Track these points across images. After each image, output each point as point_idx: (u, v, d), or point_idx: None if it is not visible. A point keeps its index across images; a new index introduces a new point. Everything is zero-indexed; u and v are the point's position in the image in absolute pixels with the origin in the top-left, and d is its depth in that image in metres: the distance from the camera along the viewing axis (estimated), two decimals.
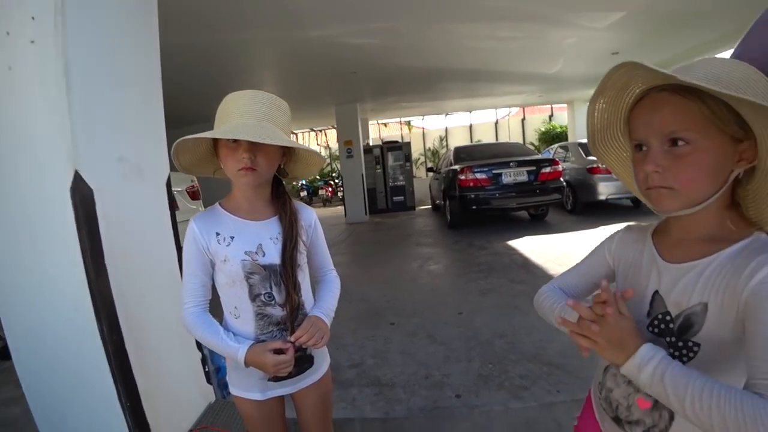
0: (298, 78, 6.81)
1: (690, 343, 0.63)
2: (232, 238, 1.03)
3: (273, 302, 1.05)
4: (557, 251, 4.90)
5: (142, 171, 1.76)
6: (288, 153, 1.10)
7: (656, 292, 0.68)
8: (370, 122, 13.86)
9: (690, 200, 0.62)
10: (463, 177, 6.53)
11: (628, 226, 0.82)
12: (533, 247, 5.29)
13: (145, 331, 1.69)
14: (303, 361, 1.07)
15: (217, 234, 1.03)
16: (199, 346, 2.17)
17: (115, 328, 1.57)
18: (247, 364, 1.00)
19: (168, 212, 1.92)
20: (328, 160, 18.38)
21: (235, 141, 0.96)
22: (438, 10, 4.39)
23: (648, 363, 0.57)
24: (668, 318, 0.66)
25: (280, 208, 1.09)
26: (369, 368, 2.53)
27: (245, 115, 0.98)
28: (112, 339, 1.55)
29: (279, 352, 1.00)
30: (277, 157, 1.04)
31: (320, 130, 16.96)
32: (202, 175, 1.14)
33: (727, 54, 0.72)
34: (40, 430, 1.71)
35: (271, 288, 1.04)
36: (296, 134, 17.26)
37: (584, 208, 7.28)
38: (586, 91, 11.44)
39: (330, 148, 18.39)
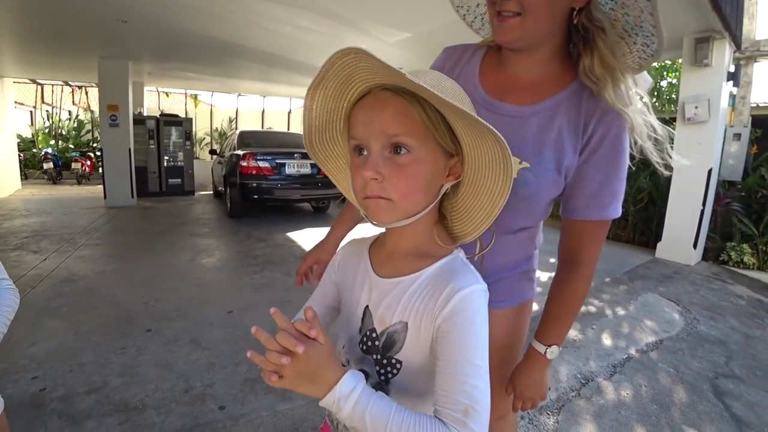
0: (44, 10, 5.10)
1: (393, 360, 0.65)
2: None
3: None
4: None
5: None
6: None
7: (367, 306, 0.69)
8: (147, 88, 11.89)
9: (406, 213, 0.63)
10: (245, 164, 6.27)
11: (351, 240, 0.82)
12: (314, 239, 5.38)
13: None
14: None
15: None
16: None
17: None
18: None
19: None
20: (89, 126, 15.06)
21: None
22: None
23: (348, 399, 0.53)
24: (374, 335, 0.67)
25: None
26: (114, 391, 2.14)
27: None
28: None
29: None
30: None
31: (79, 87, 13.76)
32: None
33: None
34: None
35: None
36: (42, 86, 13.54)
37: None
38: None
39: (92, 111, 15.10)
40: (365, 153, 0.62)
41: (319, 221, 6.81)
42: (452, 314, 0.58)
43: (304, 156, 6.57)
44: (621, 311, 3.41)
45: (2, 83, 9.47)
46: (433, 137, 0.61)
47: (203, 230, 6.00)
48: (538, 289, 1.12)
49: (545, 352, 0.90)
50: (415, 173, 0.60)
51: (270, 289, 3.65)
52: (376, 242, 0.76)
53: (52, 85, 13.43)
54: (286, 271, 4.12)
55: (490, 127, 0.55)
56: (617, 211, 0.82)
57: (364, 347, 0.68)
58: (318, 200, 7.27)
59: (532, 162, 0.81)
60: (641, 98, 0.80)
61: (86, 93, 14.82)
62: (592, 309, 3.42)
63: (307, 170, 6.57)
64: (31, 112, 14.90)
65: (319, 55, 7.12)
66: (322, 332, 0.56)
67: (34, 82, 12.06)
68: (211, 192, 9.91)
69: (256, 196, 6.37)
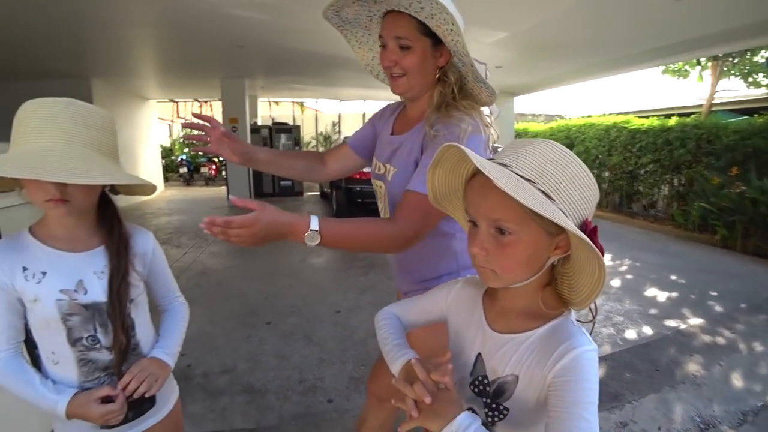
0: (179, 45, 6.19)
1: (501, 407, 0.72)
2: (44, 273, 0.87)
3: (98, 346, 0.91)
4: None
5: None
6: None
7: (479, 354, 0.76)
8: (261, 99, 13.17)
9: (510, 282, 0.69)
10: None
11: (467, 280, 0.87)
12: None
13: None
14: (141, 403, 0.96)
15: (24, 269, 0.87)
16: (35, 363, 1.90)
17: None
18: (69, 416, 0.87)
19: None
20: None
21: None
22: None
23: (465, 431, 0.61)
24: (486, 381, 0.74)
25: (107, 236, 0.95)
26: (242, 374, 2.47)
27: (45, 136, 0.81)
28: None
29: (108, 399, 0.89)
30: (97, 185, 0.90)
31: (205, 102, 15.65)
32: None
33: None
34: None
35: (95, 330, 0.90)
36: (177, 103, 15.70)
37: None
38: None
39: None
40: (476, 227, 0.69)
41: None
42: (565, 371, 0.63)
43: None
44: (759, 347, 2.81)
45: (148, 104, 11.33)
46: (534, 221, 0.64)
47: None
48: None
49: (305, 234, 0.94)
50: (516, 252, 0.65)
51: (374, 292, 3.84)
52: (488, 291, 0.80)
53: (185, 101, 15.41)
54: (389, 275, 4.26)
55: (583, 236, 0.60)
56: (416, 186, 1.02)
57: (476, 390, 0.76)
58: None
59: (398, 168, 1.17)
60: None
61: (211, 106, 16.72)
62: (720, 341, 2.90)
63: None
64: (169, 125, 17.27)
65: None
66: (452, 379, 0.67)
67: (171, 100, 14.06)
68: (318, 193, 10.60)
69: (359, 200, 6.67)
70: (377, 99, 14.85)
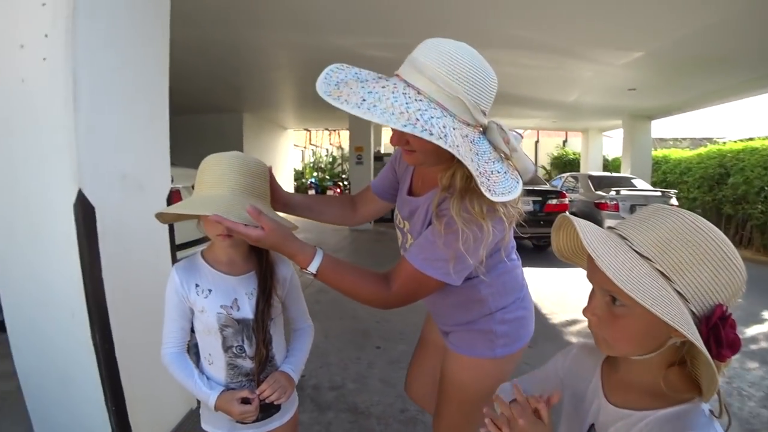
0: (313, 81, 6.89)
1: None
2: (210, 291, 1.08)
3: (244, 355, 1.10)
4: (553, 288, 4.92)
5: (143, 187, 1.81)
6: None
7: (593, 425, 0.71)
8: (384, 128, 13.89)
9: (623, 354, 0.65)
10: None
11: (583, 346, 0.83)
12: (530, 279, 5.25)
13: (135, 340, 1.74)
14: (269, 407, 1.13)
15: (197, 285, 1.08)
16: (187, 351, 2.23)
17: (108, 338, 1.64)
18: (216, 409, 1.06)
19: (166, 227, 1.97)
20: (339, 161, 18.49)
21: None
22: (459, 35, 4.39)
23: None
24: None
25: (257, 263, 1.13)
26: (349, 393, 2.57)
27: (221, 185, 1.02)
28: (104, 347, 1.63)
29: (246, 400, 1.06)
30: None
31: (334, 130, 17.07)
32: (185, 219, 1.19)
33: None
34: (31, 420, 1.81)
35: (243, 341, 1.09)
36: (310, 131, 17.38)
37: None
38: (602, 121, 11.46)
39: (342, 149, 18.49)
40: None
41: (540, 260, 6.55)
42: None
43: (527, 193, 6.44)
44: None
45: (286, 133, 12.87)
46: None
47: None
48: None
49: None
50: (627, 326, 0.61)
51: None
52: (608, 360, 0.75)
53: (317, 130, 16.98)
54: None
55: (689, 335, 0.54)
56: (412, 258, 1.01)
57: None
58: (539, 238, 7.02)
59: (413, 235, 1.14)
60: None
61: (338, 134, 18.14)
62: None
63: (529, 207, 6.44)
64: (302, 150, 19.16)
65: (539, 87, 7.04)
66: (549, 415, 0.67)
67: (305, 129, 15.67)
68: None
69: None
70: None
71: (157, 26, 1.90)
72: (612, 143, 14.30)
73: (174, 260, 2.10)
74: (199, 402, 1.19)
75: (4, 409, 2.25)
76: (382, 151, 11.70)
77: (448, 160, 0.97)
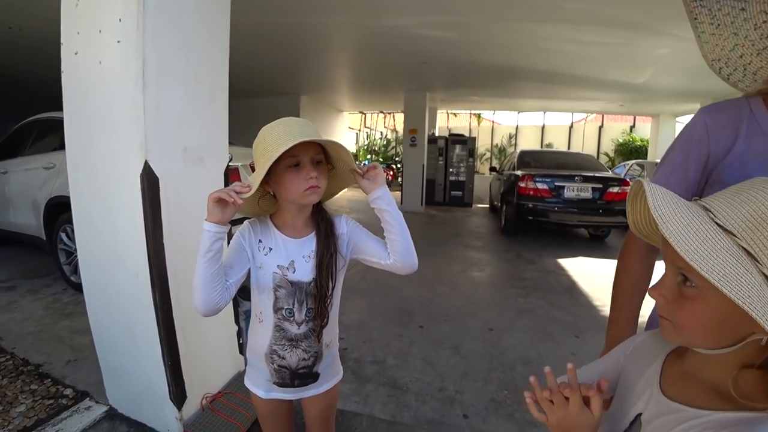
0: (369, 63, 6.97)
1: None
2: (270, 249, 1.11)
3: (291, 318, 1.11)
4: (608, 280, 4.67)
5: (203, 159, 1.94)
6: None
7: (639, 414, 0.64)
8: (440, 111, 13.70)
9: (690, 343, 0.57)
10: (523, 184, 6.36)
11: (653, 333, 0.73)
12: (584, 270, 5.10)
13: (192, 302, 1.88)
14: (306, 376, 1.18)
15: (260, 241, 1.11)
16: (237, 320, 2.39)
17: (166, 298, 1.79)
18: (209, 216, 0.99)
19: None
20: (393, 144, 18.50)
21: (297, 165, 1.02)
22: (513, 10, 4.26)
23: None
24: None
25: (317, 225, 1.15)
26: (389, 368, 2.63)
27: (289, 132, 0.99)
28: (162, 307, 1.77)
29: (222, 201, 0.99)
30: (327, 175, 1.11)
31: (389, 113, 17.06)
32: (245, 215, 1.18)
33: None
34: (101, 367, 2.05)
35: (293, 304, 1.11)
36: (365, 114, 17.48)
37: None
38: (676, 105, 10.59)
39: (396, 132, 18.46)
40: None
41: (594, 250, 6.27)
42: None
43: (586, 179, 6.19)
44: None
45: (342, 116, 13.11)
46: None
47: (477, 243, 6.45)
48: None
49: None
50: (698, 310, 0.53)
51: (532, 316, 3.63)
52: (678, 349, 0.66)
53: (371, 113, 17.03)
54: (551, 301, 4.00)
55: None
56: None
57: None
58: (597, 227, 6.70)
59: None
60: None
61: (393, 117, 18.10)
62: None
63: (587, 194, 6.16)
64: (356, 133, 19.34)
65: (604, 66, 6.61)
66: (600, 407, 0.61)
67: (360, 112, 15.77)
68: (488, 206, 10.49)
69: (531, 217, 6.39)
70: (558, 110, 13.98)
71: (218, 11, 2.00)
72: None
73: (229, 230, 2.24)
74: (246, 364, 1.26)
75: (80, 360, 2.54)
76: (437, 134, 11.58)
77: None
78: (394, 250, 1.13)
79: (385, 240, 1.14)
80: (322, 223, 1.14)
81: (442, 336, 3.14)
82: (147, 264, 1.71)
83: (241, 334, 2.42)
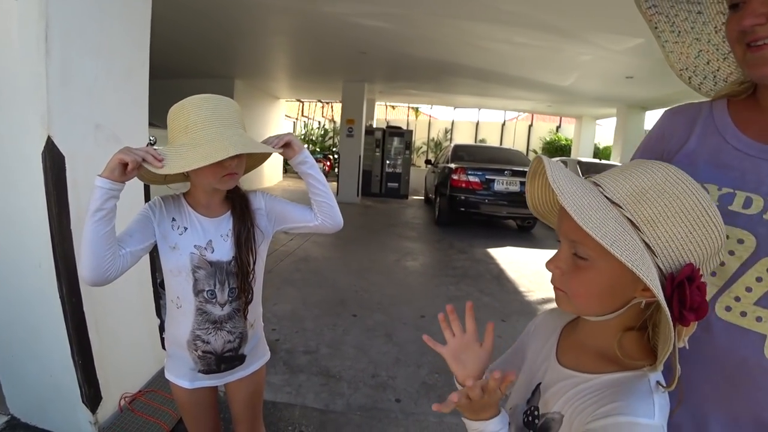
0: (307, 49, 6.80)
1: None
2: (186, 228, 1.06)
3: (214, 300, 1.08)
4: (534, 268, 4.98)
5: (119, 139, 1.78)
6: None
7: (539, 384, 0.70)
8: (378, 103, 13.73)
9: (582, 311, 0.63)
10: (456, 177, 6.57)
11: (552, 310, 0.80)
12: (512, 258, 5.38)
13: (104, 295, 1.73)
14: (232, 359, 1.14)
15: (173, 219, 1.07)
16: (158, 312, 2.24)
17: (75, 290, 1.63)
18: (105, 172, 0.91)
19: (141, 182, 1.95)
20: (331, 134, 18.29)
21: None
22: (452, 7, 4.35)
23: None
24: (536, 413, 0.68)
25: (233, 203, 1.12)
26: (322, 357, 2.61)
27: (217, 124, 0.97)
28: (70, 300, 1.62)
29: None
30: (245, 159, 1.08)
31: (327, 103, 16.80)
32: (152, 183, 1.14)
33: None
34: None
35: (214, 285, 1.07)
36: (303, 102, 17.10)
37: None
38: (597, 109, 11.42)
39: (335, 122, 18.24)
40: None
41: (521, 240, 6.65)
42: (596, 430, 0.55)
43: (515, 174, 6.52)
44: None
45: (278, 103, 12.65)
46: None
47: (411, 233, 6.58)
48: None
49: None
50: (590, 280, 0.58)
51: (463, 303, 3.71)
52: (572, 322, 0.73)
53: (309, 101, 16.69)
54: (480, 288, 4.18)
55: (649, 282, 0.50)
56: None
57: (525, 420, 0.71)
58: (524, 219, 7.10)
59: None
60: None
61: (332, 107, 17.87)
62: None
63: (516, 188, 6.50)
64: (294, 122, 18.86)
65: (534, 68, 6.98)
66: (494, 387, 0.65)
67: (297, 100, 15.41)
68: (423, 198, 10.73)
69: (463, 209, 6.65)
70: (492, 108, 14.60)
71: None
72: (604, 132, 14.35)
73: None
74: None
75: None
76: (374, 125, 11.60)
77: None
78: (322, 211, 1.17)
79: (304, 206, 1.19)
80: (237, 200, 1.13)
81: (375, 324, 3.16)
82: (51, 252, 1.55)
83: (164, 329, 2.28)
